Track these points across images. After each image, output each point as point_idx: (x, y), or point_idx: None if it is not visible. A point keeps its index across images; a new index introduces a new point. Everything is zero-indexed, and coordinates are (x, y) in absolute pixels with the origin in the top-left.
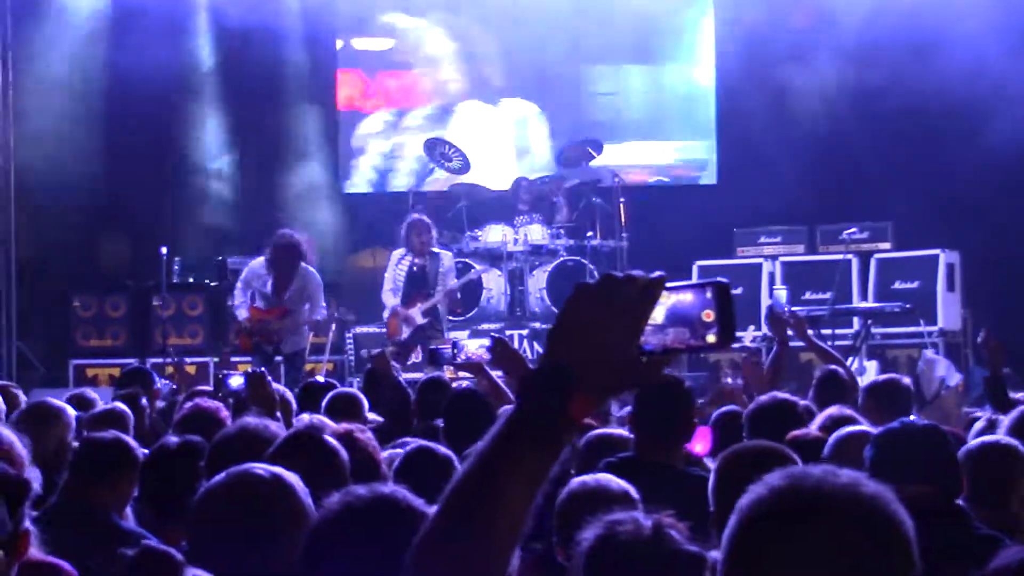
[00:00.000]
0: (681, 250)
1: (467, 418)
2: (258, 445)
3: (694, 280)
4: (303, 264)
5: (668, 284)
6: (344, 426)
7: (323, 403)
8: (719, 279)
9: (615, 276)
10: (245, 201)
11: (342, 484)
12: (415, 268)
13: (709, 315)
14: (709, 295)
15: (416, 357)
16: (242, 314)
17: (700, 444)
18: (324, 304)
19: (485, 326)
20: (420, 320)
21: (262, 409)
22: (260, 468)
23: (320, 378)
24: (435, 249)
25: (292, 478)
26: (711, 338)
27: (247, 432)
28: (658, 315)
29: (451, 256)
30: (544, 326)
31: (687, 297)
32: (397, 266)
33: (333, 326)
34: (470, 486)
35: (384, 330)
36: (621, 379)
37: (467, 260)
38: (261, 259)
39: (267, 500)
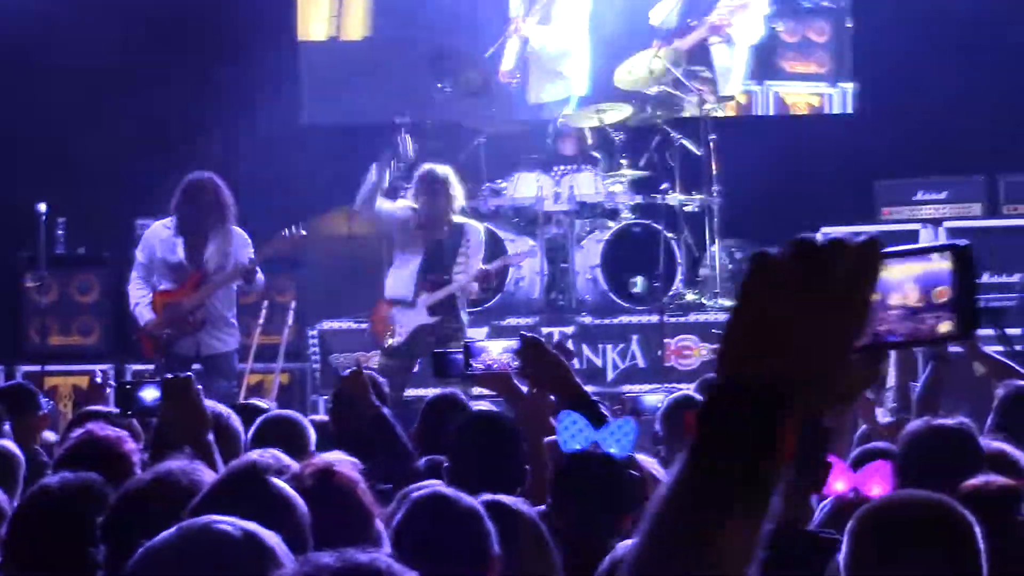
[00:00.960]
0: (799, 211)
1: (483, 454)
2: (184, 497)
3: (909, 247)
4: (225, 216)
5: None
6: (321, 460)
7: (248, 433)
8: (958, 241)
9: (814, 242)
10: (162, 139)
11: (300, 548)
12: (431, 243)
13: (942, 293)
14: (943, 265)
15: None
16: (144, 315)
17: (840, 482)
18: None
19: (511, 320)
20: (425, 318)
21: (187, 436)
22: (226, 522)
23: (261, 402)
24: (458, 219)
25: (271, 539)
26: (944, 327)
27: (168, 479)
28: None
29: (481, 231)
30: (597, 321)
31: (909, 268)
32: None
33: (290, 321)
34: None
35: (366, 326)
36: (838, 388)
37: (489, 226)
38: (161, 222)
39: (236, 569)
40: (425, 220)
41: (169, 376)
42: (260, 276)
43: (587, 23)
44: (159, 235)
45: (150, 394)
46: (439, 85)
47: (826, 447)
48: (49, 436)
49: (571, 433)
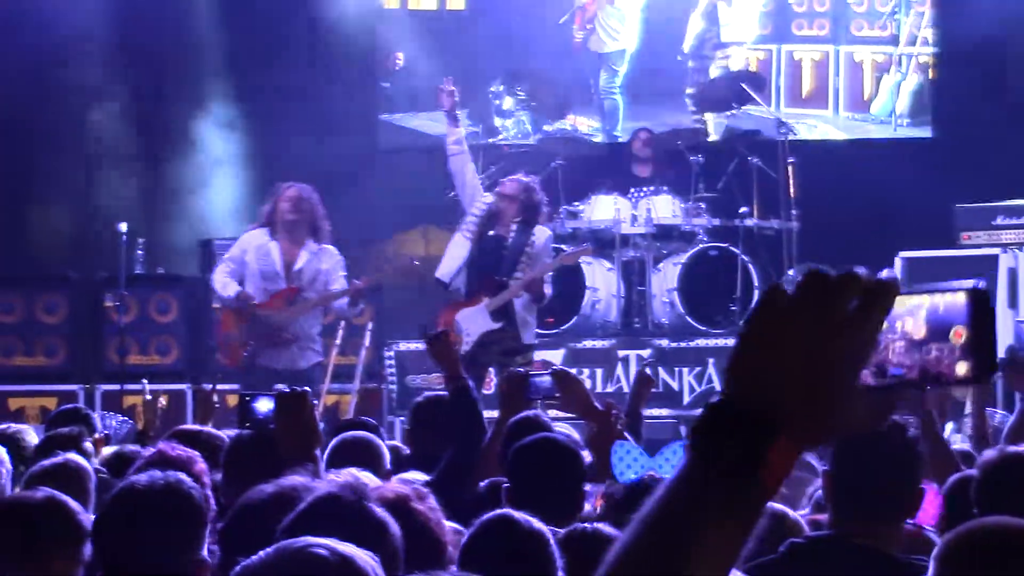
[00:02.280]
0: (877, 235)
1: (541, 478)
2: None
3: (930, 284)
4: (319, 230)
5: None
6: (396, 488)
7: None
8: (976, 283)
9: (827, 274)
10: (239, 159)
11: (393, 572)
12: (488, 238)
13: (960, 334)
14: (961, 305)
15: (489, 385)
16: (232, 288)
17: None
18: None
19: (588, 343)
20: (490, 324)
21: (296, 449)
22: (322, 546)
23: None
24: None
25: (366, 563)
26: (962, 369)
27: (289, 494)
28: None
29: (550, 234)
30: (674, 344)
31: (927, 307)
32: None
33: (367, 342)
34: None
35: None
36: (836, 421)
37: (561, 247)
38: (259, 229)
39: None
40: (496, 208)
41: (285, 390)
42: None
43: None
44: (255, 240)
45: (264, 405)
46: (515, 110)
47: (918, 465)
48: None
49: (626, 463)
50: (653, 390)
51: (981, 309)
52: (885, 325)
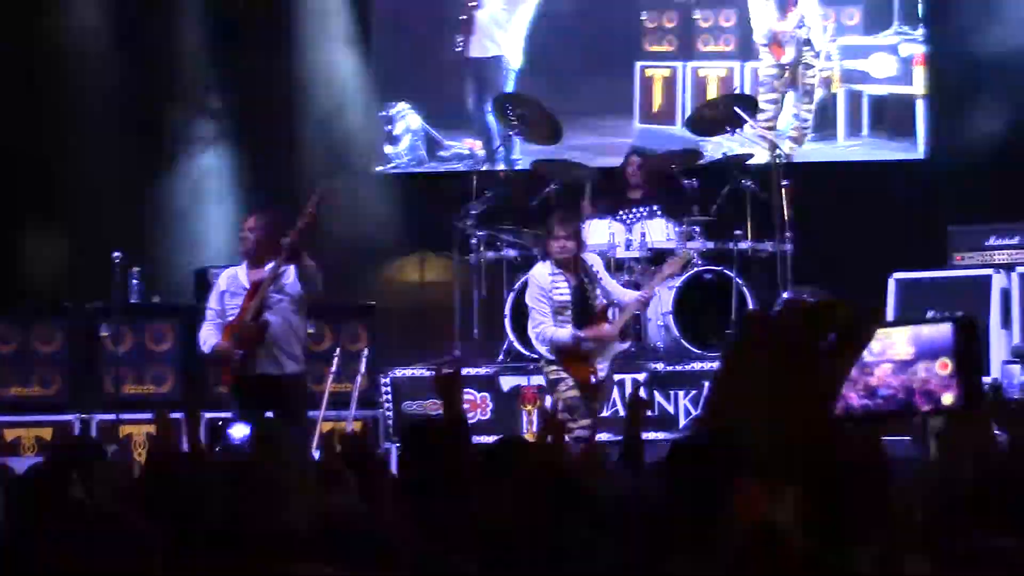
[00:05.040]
0: (871, 257)
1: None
2: None
3: (915, 318)
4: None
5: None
6: None
7: None
8: (961, 315)
9: (806, 303)
10: (236, 188)
11: None
12: (572, 286)
13: (946, 365)
14: (947, 336)
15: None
16: (212, 340)
17: None
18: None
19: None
20: (621, 343)
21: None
22: None
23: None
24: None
25: None
26: (948, 399)
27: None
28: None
29: (599, 258)
30: (669, 367)
31: (913, 338)
32: (553, 290)
33: (362, 369)
34: None
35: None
36: (812, 456)
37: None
38: (232, 268)
39: None
40: (566, 258)
41: (268, 417)
42: (311, 268)
43: None
44: (226, 275)
45: (239, 432)
46: (509, 132)
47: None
48: None
49: None
50: (649, 413)
51: (966, 339)
52: (868, 354)
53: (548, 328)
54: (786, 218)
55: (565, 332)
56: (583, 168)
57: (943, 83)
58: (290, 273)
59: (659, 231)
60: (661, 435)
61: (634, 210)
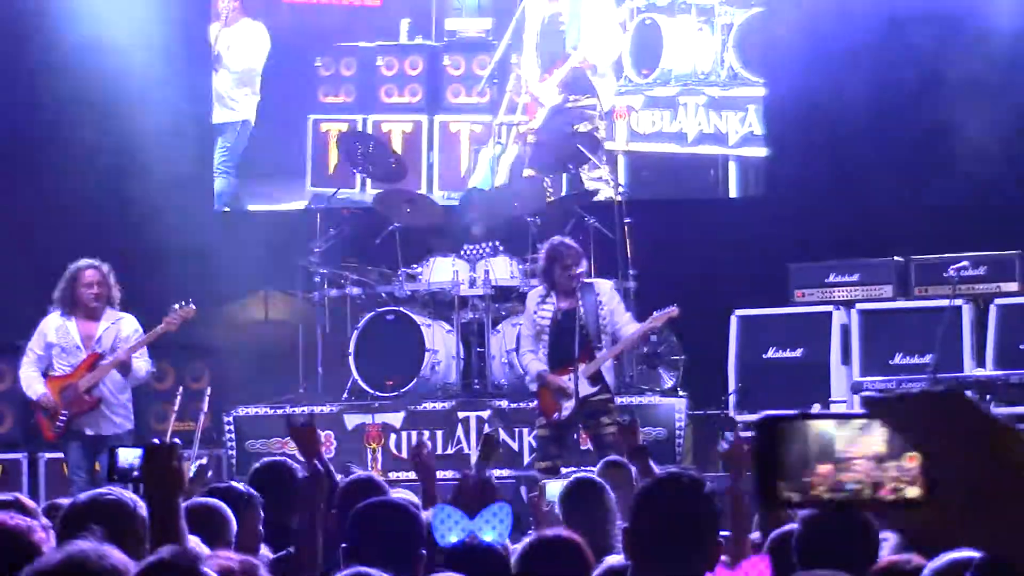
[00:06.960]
0: (713, 293)
1: (384, 539)
2: None
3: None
4: (112, 300)
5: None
6: (232, 558)
7: None
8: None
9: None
10: (74, 225)
11: None
12: (560, 315)
13: (912, 458)
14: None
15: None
16: (37, 389)
17: None
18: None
19: (428, 405)
20: (588, 388)
21: (161, 499)
22: None
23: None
24: (588, 279)
25: None
26: (912, 492)
27: (78, 558)
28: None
29: (610, 285)
30: (513, 405)
31: (877, 433)
32: (538, 312)
33: (205, 407)
34: None
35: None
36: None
37: (401, 309)
38: (54, 312)
39: None
40: (566, 284)
41: (155, 441)
42: (144, 367)
43: None
44: (53, 323)
45: (127, 455)
46: (354, 170)
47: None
48: None
49: (447, 527)
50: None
51: None
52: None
53: (526, 356)
54: (628, 255)
55: (535, 367)
56: (427, 205)
57: (779, 121)
58: (124, 327)
59: (503, 269)
60: (506, 472)
61: (478, 246)
